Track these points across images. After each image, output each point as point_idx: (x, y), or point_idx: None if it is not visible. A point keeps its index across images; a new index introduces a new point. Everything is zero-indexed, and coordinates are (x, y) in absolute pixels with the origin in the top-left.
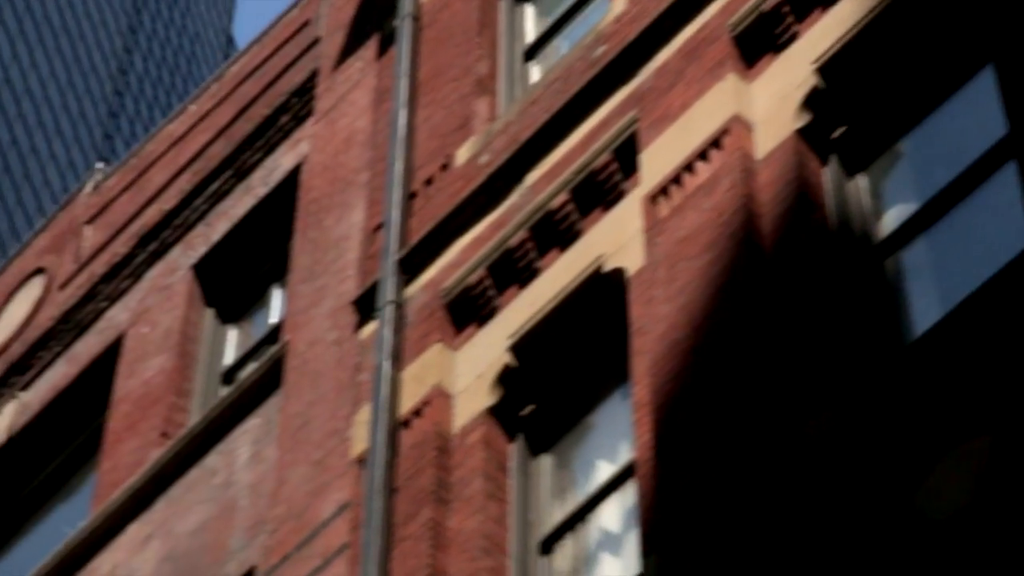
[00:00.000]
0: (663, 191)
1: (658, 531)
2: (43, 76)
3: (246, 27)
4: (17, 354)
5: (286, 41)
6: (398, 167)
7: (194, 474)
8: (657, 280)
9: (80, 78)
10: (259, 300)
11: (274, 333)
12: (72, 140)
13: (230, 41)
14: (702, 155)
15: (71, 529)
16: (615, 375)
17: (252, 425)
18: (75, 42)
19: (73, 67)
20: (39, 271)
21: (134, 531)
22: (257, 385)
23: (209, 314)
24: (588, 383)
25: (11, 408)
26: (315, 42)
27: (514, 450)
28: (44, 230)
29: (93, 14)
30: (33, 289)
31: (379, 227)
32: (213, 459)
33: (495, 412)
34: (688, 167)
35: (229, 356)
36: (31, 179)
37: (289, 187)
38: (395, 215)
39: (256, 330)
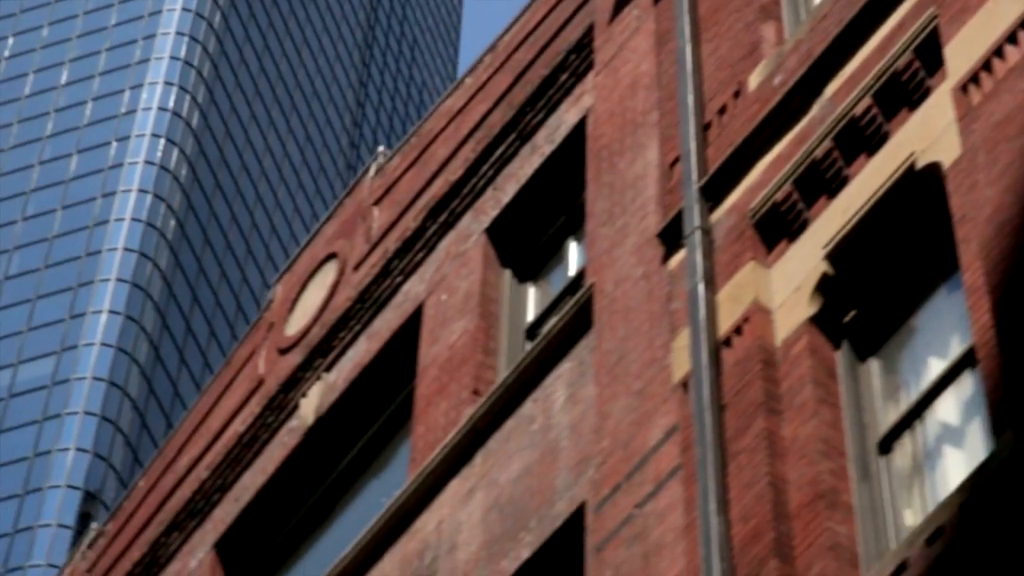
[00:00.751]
0: (973, 79)
1: (1010, 407)
2: (282, 134)
3: None
4: (318, 337)
5: (556, 4)
6: (690, 100)
7: (510, 424)
8: (977, 166)
9: (317, 132)
10: (555, 255)
11: (574, 284)
12: (314, 193)
13: None
14: (1011, 38)
15: (387, 499)
16: (937, 270)
17: (565, 369)
18: (310, 99)
19: (309, 122)
20: (331, 257)
21: (455, 487)
22: (565, 331)
23: (506, 275)
24: (909, 282)
25: (317, 389)
26: (586, 0)
27: (840, 357)
28: (331, 218)
29: (325, 71)
30: (327, 275)
31: (676, 161)
32: (528, 407)
33: (817, 321)
34: (997, 52)
35: (530, 313)
36: (278, 234)
37: (575, 140)
38: (692, 146)
39: (554, 286)
